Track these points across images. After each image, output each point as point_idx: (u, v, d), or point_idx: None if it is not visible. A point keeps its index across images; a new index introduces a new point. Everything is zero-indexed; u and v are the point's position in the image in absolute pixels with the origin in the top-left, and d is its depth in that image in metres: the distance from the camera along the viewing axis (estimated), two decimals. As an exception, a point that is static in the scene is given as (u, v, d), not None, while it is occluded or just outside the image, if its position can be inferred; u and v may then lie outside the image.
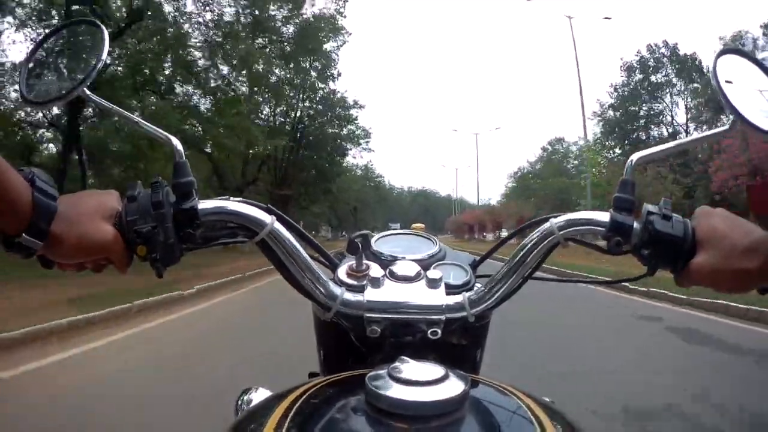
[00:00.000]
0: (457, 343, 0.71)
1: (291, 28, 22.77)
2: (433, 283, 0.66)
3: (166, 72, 17.12)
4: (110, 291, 6.65)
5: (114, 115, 0.64)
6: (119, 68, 15.42)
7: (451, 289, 0.67)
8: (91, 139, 16.38)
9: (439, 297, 0.65)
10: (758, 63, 0.63)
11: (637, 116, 33.91)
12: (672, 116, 33.40)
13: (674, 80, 33.57)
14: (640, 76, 34.14)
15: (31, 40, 14.14)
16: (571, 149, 46.05)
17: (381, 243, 0.78)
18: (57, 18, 13.87)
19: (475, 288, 0.69)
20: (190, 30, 17.38)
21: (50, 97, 0.61)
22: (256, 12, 19.72)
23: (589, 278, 0.95)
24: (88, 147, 16.22)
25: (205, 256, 11.73)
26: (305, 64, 25.14)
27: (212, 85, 18.38)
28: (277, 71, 22.17)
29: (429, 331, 0.64)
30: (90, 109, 14.60)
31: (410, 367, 0.49)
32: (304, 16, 22.75)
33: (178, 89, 17.85)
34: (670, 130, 32.78)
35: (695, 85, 31.60)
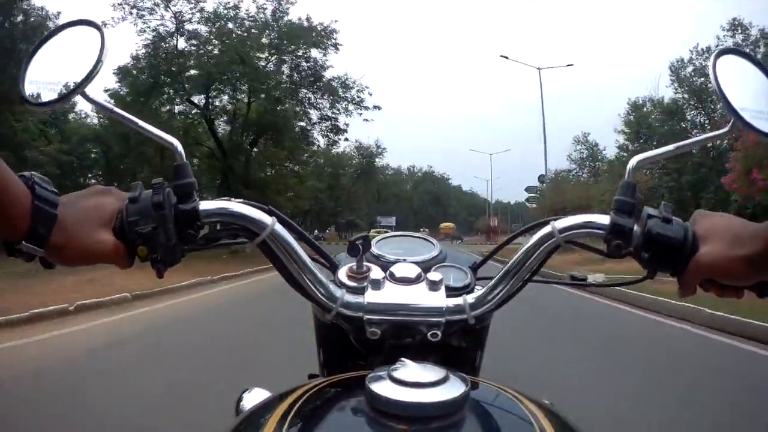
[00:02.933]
0: (458, 345, 0.71)
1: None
2: (433, 286, 0.66)
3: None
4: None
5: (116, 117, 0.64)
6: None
7: (452, 292, 0.67)
8: None
9: (439, 299, 0.65)
10: (758, 63, 0.62)
11: None
12: None
13: None
14: None
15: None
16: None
17: (381, 245, 0.78)
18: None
19: (476, 290, 0.69)
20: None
21: (50, 98, 0.61)
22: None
23: (589, 282, 0.95)
24: None
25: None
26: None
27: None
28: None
29: (429, 333, 0.64)
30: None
31: (410, 369, 0.49)
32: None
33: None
34: None
35: None
